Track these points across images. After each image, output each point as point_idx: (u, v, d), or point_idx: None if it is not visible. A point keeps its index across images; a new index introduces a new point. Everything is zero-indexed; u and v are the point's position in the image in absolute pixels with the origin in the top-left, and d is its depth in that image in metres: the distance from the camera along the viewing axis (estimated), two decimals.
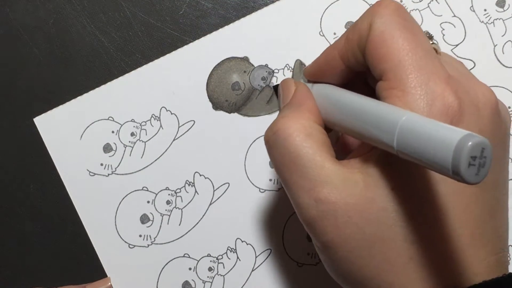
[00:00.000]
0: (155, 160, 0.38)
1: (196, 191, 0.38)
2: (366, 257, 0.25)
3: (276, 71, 0.38)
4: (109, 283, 0.37)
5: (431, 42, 0.28)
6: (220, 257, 0.37)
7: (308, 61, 0.38)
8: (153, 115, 0.38)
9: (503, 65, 0.37)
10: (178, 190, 0.38)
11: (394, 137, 0.23)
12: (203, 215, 0.38)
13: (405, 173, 0.25)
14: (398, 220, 0.25)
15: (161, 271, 0.37)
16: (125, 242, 0.38)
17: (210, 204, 0.38)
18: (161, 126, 0.38)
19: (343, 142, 0.34)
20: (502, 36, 0.37)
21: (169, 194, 0.38)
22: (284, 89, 0.31)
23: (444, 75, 0.25)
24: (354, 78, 0.30)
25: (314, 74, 0.31)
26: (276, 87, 0.37)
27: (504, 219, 0.27)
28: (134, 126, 0.38)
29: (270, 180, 0.37)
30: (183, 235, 0.38)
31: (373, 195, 0.25)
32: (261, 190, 0.38)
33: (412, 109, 0.25)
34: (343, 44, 0.28)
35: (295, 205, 0.27)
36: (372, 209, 0.25)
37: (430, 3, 0.38)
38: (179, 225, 0.38)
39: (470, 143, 0.20)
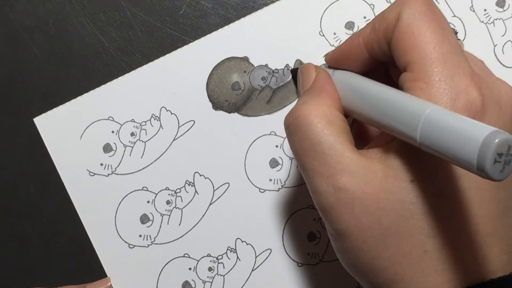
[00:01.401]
0: (155, 160, 0.38)
1: (196, 191, 0.38)
2: (380, 248, 0.25)
3: (276, 71, 0.38)
4: (109, 283, 0.37)
5: None
6: (220, 257, 0.37)
7: (308, 61, 0.38)
8: (153, 115, 0.38)
9: (503, 65, 0.37)
10: (178, 190, 0.38)
11: (418, 130, 0.22)
12: (203, 215, 0.38)
13: (426, 166, 0.25)
14: (416, 212, 0.25)
15: (161, 271, 0.37)
16: (125, 242, 0.38)
17: (210, 204, 0.38)
18: (161, 126, 0.38)
19: (361, 131, 0.34)
20: (502, 36, 0.37)
21: (169, 194, 0.38)
22: (304, 74, 0.31)
23: (468, 71, 0.25)
24: (375, 68, 0.30)
25: (336, 60, 0.31)
26: (294, 71, 0.37)
27: None
28: (134, 126, 0.38)
29: (270, 180, 0.37)
30: (183, 235, 0.38)
31: (392, 186, 0.25)
32: (261, 190, 0.37)
33: (435, 102, 0.24)
34: (369, 33, 0.28)
35: (313, 191, 0.27)
36: (390, 200, 0.25)
37: None
38: (179, 225, 0.38)
39: (497, 139, 0.19)
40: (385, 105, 0.25)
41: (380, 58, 0.29)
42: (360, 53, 0.29)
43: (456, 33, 0.35)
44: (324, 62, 0.32)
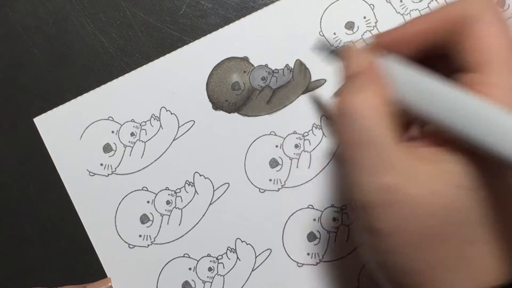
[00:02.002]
0: (155, 160, 0.38)
1: (196, 191, 0.38)
2: (417, 251, 0.25)
3: (276, 71, 0.38)
4: (109, 284, 0.37)
5: None
6: (220, 257, 0.37)
7: (308, 61, 0.38)
8: (153, 115, 0.38)
9: None
10: (178, 190, 0.38)
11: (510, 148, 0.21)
12: (203, 215, 0.38)
13: (481, 175, 0.24)
14: (461, 219, 0.24)
15: (161, 271, 0.37)
16: (125, 242, 0.38)
17: (210, 204, 0.38)
18: (161, 126, 0.38)
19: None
20: None
21: (169, 194, 0.38)
22: (353, 58, 0.29)
23: None
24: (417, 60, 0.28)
25: (387, 43, 0.29)
26: (335, 52, 0.33)
27: None
28: (134, 126, 0.38)
29: (270, 180, 0.37)
30: (183, 235, 0.37)
31: (441, 190, 0.24)
32: (261, 190, 0.37)
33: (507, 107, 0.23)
34: (431, 24, 0.27)
35: (354, 185, 0.26)
36: (437, 205, 0.24)
37: (430, 3, 0.38)
38: (179, 225, 0.37)
39: None
40: (464, 115, 0.24)
41: (432, 52, 0.27)
42: (416, 42, 0.27)
43: None
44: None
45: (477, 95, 0.24)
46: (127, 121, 0.38)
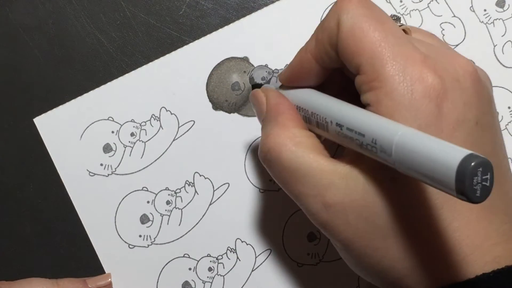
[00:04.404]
0: (155, 160, 0.38)
1: (196, 191, 0.38)
2: (382, 249, 0.26)
3: (276, 71, 0.38)
4: (109, 279, 0.37)
5: (399, 25, 0.28)
6: (220, 257, 0.37)
7: None
8: (153, 115, 0.38)
9: (503, 65, 0.37)
10: (178, 190, 0.38)
11: (392, 155, 0.22)
12: (203, 215, 0.38)
13: (380, 186, 0.25)
14: (406, 207, 0.25)
15: (161, 271, 0.37)
16: (125, 242, 0.38)
17: (210, 204, 0.38)
18: (161, 126, 0.38)
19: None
20: (502, 36, 0.38)
21: (169, 194, 0.38)
22: (255, 103, 0.32)
23: (419, 57, 0.25)
24: (330, 75, 0.30)
25: (290, 78, 0.31)
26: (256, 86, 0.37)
27: (511, 183, 0.27)
28: (134, 126, 0.38)
29: (270, 180, 0.37)
30: (183, 235, 0.37)
31: (376, 187, 0.25)
32: (261, 190, 0.37)
33: (394, 97, 0.25)
34: (315, 46, 0.28)
35: (306, 212, 0.28)
36: (378, 201, 0.25)
37: (430, 3, 0.38)
38: (179, 225, 0.37)
39: (473, 163, 0.19)
40: (355, 128, 0.25)
41: (332, 66, 0.29)
42: (312, 67, 0.29)
43: (398, 18, 0.35)
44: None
45: (366, 94, 0.26)
46: (127, 121, 0.38)
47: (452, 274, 0.25)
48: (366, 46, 0.26)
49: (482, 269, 0.24)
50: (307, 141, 0.28)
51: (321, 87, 0.30)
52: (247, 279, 0.37)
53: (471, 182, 0.19)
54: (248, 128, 0.38)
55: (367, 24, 0.26)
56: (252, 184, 0.37)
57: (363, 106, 0.26)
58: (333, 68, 0.29)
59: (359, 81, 0.26)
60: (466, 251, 0.25)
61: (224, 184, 0.38)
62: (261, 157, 0.29)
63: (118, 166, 0.38)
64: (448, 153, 0.20)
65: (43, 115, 0.38)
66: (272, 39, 0.38)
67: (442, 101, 0.25)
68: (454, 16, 0.38)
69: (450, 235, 0.25)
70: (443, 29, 0.37)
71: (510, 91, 0.37)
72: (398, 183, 0.25)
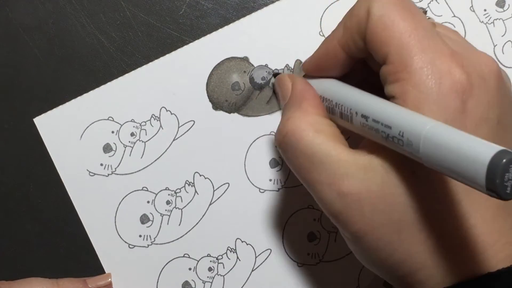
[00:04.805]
0: (155, 160, 0.38)
1: (196, 191, 0.38)
2: (395, 243, 0.25)
3: (276, 71, 0.38)
4: (109, 279, 0.37)
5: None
6: (220, 257, 0.37)
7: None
8: (153, 115, 0.38)
9: (503, 65, 0.37)
10: (178, 190, 0.38)
11: (419, 148, 0.22)
12: (203, 215, 0.38)
13: (402, 177, 0.25)
14: (424, 202, 0.25)
15: (161, 271, 0.37)
16: (125, 242, 0.38)
17: (210, 204, 0.38)
18: (161, 126, 0.38)
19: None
20: (502, 36, 0.37)
21: (169, 194, 0.38)
22: (281, 87, 0.31)
23: (448, 52, 0.25)
24: (353, 66, 0.30)
25: (314, 68, 0.30)
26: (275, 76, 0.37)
27: None
28: (134, 126, 0.38)
29: (270, 180, 0.37)
30: (183, 235, 0.37)
31: (395, 179, 0.25)
32: (261, 190, 0.37)
33: (421, 90, 0.24)
34: (342, 33, 0.28)
35: (319, 201, 0.27)
36: (396, 193, 0.25)
37: (430, 3, 0.38)
38: (179, 225, 0.37)
39: (505, 160, 0.19)
40: (381, 120, 0.25)
41: (357, 56, 0.28)
42: (338, 55, 0.29)
43: (425, 12, 0.35)
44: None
45: (392, 85, 0.25)
46: (127, 121, 0.38)
47: (466, 269, 0.25)
48: (395, 36, 0.25)
49: (495, 266, 0.24)
50: (328, 129, 0.28)
51: (343, 79, 0.30)
52: (247, 279, 0.37)
53: (502, 179, 0.19)
54: (248, 128, 0.38)
55: (397, 14, 0.26)
56: (252, 184, 0.37)
57: (386, 98, 0.26)
58: (358, 58, 0.29)
59: (385, 71, 0.26)
60: (481, 248, 0.25)
61: (224, 184, 0.38)
62: (278, 139, 0.29)
63: (118, 166, 0.38)
64: (479, 149, 0.20)
65: (43, 115, 0.38)
66: (272, 39, 0.38)
67: (467, 97, 0.25)
68: (454, 16, 0.38)
69: (466, 231, 0.25)
70: None
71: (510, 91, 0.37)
72: (418, 176, 0.25)
